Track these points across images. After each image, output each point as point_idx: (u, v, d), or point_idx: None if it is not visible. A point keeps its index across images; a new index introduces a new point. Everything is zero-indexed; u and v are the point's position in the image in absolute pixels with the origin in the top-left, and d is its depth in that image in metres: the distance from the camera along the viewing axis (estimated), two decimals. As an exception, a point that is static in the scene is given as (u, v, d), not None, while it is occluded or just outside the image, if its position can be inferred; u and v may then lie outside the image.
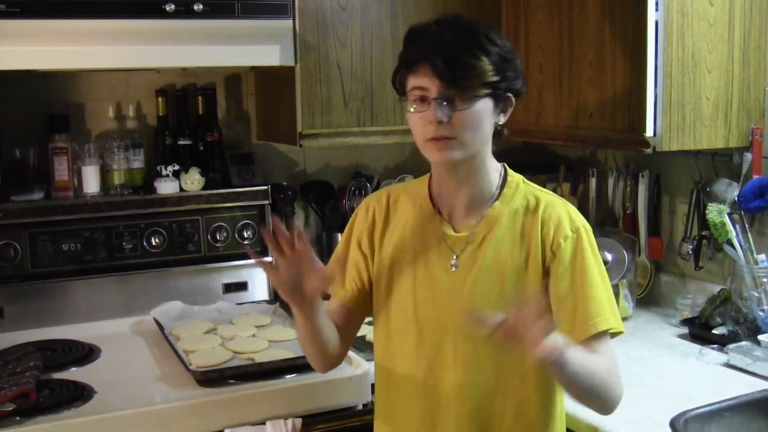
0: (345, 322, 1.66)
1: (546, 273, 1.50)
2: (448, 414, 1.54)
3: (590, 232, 1.53)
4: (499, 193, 1.55)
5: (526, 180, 1.59)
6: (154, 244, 2.48)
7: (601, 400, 1.46)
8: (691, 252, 2.42)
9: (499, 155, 1.59)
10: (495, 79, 1.44)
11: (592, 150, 2.80)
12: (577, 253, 1.49)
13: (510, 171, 1.60)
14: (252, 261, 2.57)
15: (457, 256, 1.54)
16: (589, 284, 1.47)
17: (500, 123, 1.51)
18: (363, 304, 1.66)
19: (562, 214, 1.52)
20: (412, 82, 1.46)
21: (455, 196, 1.55)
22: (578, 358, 1.37)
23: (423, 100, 1.45)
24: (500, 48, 1.45)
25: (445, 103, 1.42)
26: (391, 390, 1.63)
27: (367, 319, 1.71)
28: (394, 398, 1.62)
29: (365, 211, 1.66)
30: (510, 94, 1.50)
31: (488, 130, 1.49)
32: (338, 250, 1.70)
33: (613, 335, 1.50)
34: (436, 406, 1.55)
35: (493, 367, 1.52)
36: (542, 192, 1.57)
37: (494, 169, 1.56)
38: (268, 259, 1.60)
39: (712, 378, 2.01)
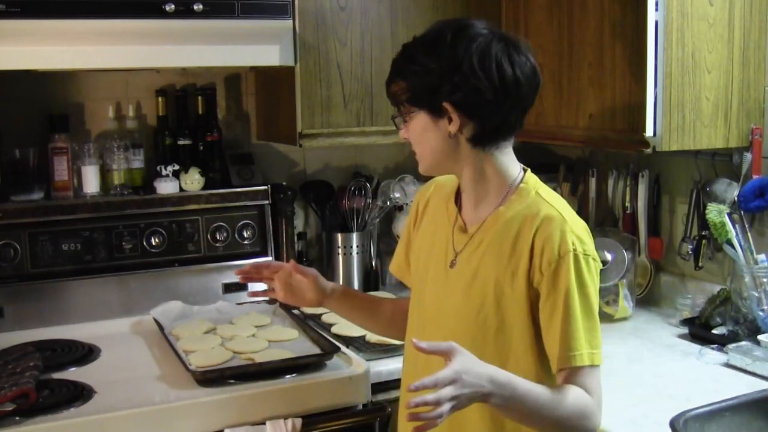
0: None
1: (533, 291, 1.46)
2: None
3: (583, 255, 1.44)
4: (507, 199, 1.52)
5: (541, 190, 1.53)
6: (153, 244, 2.48)
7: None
8: (691, 252, 2.42)
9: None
10: (407, 97, 1.48)
11: (592, 150, 2.80)
12: (561, 281, 1.42)
13: (528, 177, 1.54)
14: (251, 261, 2.57)
15: (456, 255, 1.54)
16: (568, 317, 1.41)
17: (455, 132, 1.47)
18: None
19: (555, 233, 1.44)
20: None
21: (467, 197, 1.57)
22: (517, 401, 1.34)
23: None
24: (423, 64, 1.45)
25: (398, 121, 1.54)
26: (404, 377, 1.68)
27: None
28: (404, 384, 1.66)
29: (415, 201, 1.74)
30: (446, 104, 1.44)
31: (437, 143, 1.49)
32: (402, 239, 1.77)
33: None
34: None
35: None
36: (547, 204, 1.49)
37: (500, 173, 1.52)
38: (262, 287, 1.86)
39: (712, 378, 2.01)
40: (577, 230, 1.47)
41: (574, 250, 1.43)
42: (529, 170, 1.56)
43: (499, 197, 1.52)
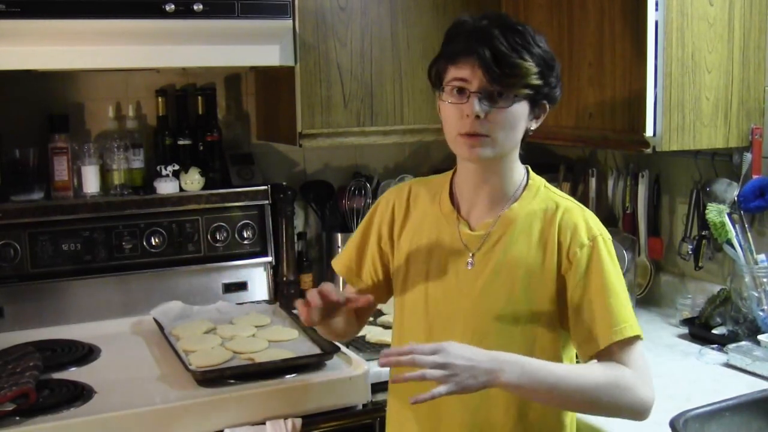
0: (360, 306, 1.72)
1: (560, 280, 1.49)
2: (451, 414, 1.54)
3: (608, 240, 1.50)
4: (519, 195, 1.55)
5: (547, 185, 1.58)
6: (153, 244, 2.48)
7: (612, 411, 1.43)
8: (691, 252, 2.42)
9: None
10: (538, 82, 1.44)
11: (592, 150, 2.80)
12: (594, 262, 1.47)
13: (532, 174, 1.59)
14: (251, 261, 2.60)
15: (473, 255, 1.54)
16: (609, 292, 1.45)
17: (531, 129, 1.51)
18: (378, 294, 1.68)
19: (579, 221, 1.50)
20: (453, 73, 1.45)
21: (476, 194, 1.56)
22: (531, 375, 1.35)
23: (461, 92, 1.44)
24: (544, 53, 1.46)
25: (484, 99, 1.42)
26: (400, 387, 1.62)
27: (369, 319, 1.72)
28: (403, 395, 1.62)
29: (386, 204, 1.67)
30: (546, 102, 1.50)
31: (521, 133, 1.49)
32: (355, 240, 1.70)
33: None
34: (438, 404, 1.54)
35: None
36: (562, 197, 1.55)
37: (518, 171, 1.56)
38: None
39: (712, 378, 2.01)
40: (594, 216, 1.54)
41: (601, 234, 1.50)
42: (529, 167, 1.60)
43: (514, 192, 1.55)
